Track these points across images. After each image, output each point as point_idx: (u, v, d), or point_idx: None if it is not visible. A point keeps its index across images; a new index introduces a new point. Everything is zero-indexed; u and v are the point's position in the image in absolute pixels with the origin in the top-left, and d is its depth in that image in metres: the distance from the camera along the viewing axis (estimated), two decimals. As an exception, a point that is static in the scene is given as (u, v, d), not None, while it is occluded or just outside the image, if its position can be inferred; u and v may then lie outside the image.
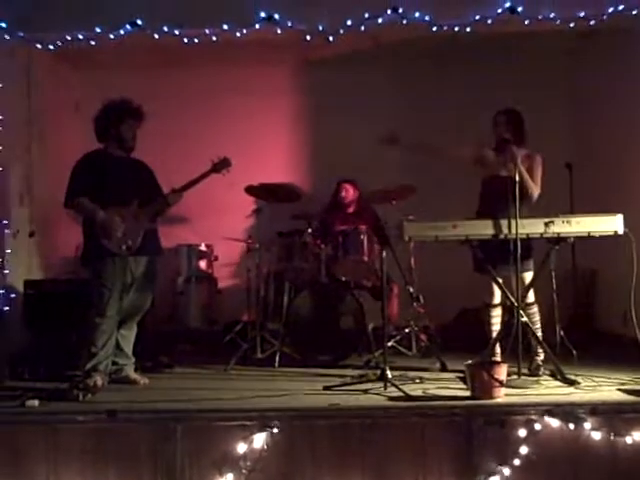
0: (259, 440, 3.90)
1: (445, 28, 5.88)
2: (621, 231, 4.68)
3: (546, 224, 4.68)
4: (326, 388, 4.63)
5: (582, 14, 5.72)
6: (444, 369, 5.32)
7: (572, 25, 5.86)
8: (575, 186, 6.07)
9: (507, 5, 5.58)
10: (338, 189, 6.70)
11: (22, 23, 5.76)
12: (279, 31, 5.87)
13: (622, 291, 6.20)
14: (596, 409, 3.98)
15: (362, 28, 5.83)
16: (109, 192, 4.85)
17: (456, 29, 5.91)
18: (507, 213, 4.73)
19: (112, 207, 4.83)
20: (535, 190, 5.17)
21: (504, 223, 4.72)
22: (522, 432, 3.91)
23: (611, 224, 4.66)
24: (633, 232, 4.71)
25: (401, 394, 4.35)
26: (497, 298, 5.27)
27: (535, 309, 5.20)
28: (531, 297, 5.15)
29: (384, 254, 4.94)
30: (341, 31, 5.90)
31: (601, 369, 5.00)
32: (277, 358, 5.59)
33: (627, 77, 6.19)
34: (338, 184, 6.72)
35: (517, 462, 3.89)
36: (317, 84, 7.41)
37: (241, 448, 3.89)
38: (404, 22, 5.75)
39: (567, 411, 3.96)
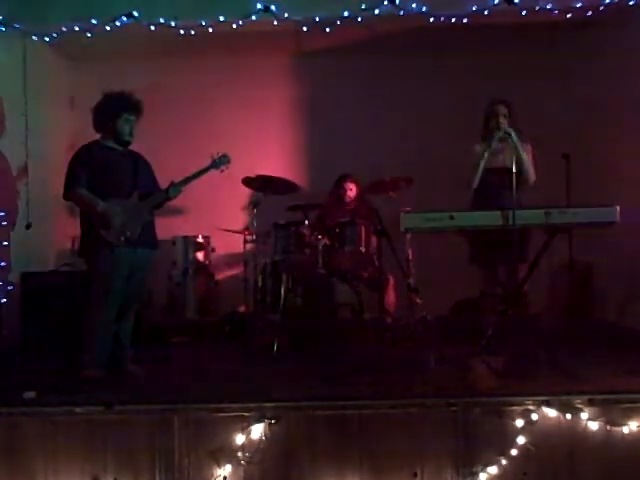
0: (257, 431, 3.92)
1: (442, 19, 5.89)
2: (618, 222, 4.67)
3: (544, 215, 4.67)
4: (324, 379, 4.63)
5: (579, 4, 5.73)
6: (441, 360, 5.33)
7: (569, 16, 5.87)
8: (572, 177, 6.07)
9: (503, -5, 5.60)
10: (340, 185, 6.65)
11: (18, 14, 5.75)
12: (275, 22, 5.87)
13: (617, 282, 6.25)
14: (593, 399, 3.99)
15: (359, 19, 5.83)
16: (108, 184, 4.83)
17: (453, 20, 5.91)
18: (505, 203, 4.73)
19: (112, 199, 4.82)
20: (532, 175, 5.21)
21: (502, 213, 4.71)
22: (519, 422, 3.93)
23: (608, 215, 4.65)
24: (629, 223, 4.71)
25: (399, 385, 4.36)
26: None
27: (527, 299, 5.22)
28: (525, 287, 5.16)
29: (381, 245, 4.95)
30: (338, 22, 5.91)
31: (598, 359, 5.00)
32: (274, 349, 5.59)
33: (624, 67, 6.18)
34: (340, 180, 6.68)
35: (514, 452, 3.91)
36: (313, 75, 7.38)
37: (239, 439, 3.91)
38: (401, 13, 5.75)
39: (564, 401, 3.98)
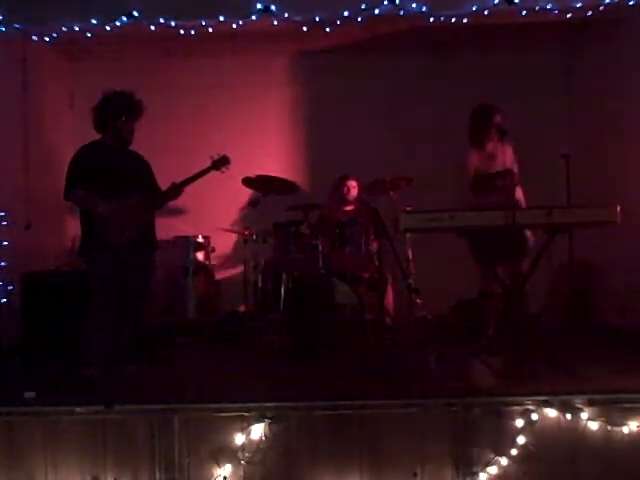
0: (257, 431, 3.92)
1: (442, 19, 5.89)
2: (618, 222, 4.66)
3: (545, 214, 4.66)
4: (324, 379, 4.63)
5: (579, 4, 5.72)
6: (441, 360, 5.32)
7: (569, 16, 5.87)
8: (572, 177, 6.08)
9: (504, -5, 5.60)
10: (342, 184, 6.63)
11: (18, 15, 5.75)
12: (275, 22, 5.87)
13: (617, 282, 6.25)
14: (593, 399, 3.99)
15: (359, 19, 5.83)
16: (108, 184, 4.83)
17: (453, 20, 5.92)
18: (507, 204, 4.71)
19: (113, 199, 4.82)
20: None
21: (502, 214, 4.69)
22: (519, 422, 3.93)
23: (608, 215, 4.65)
24: (630, 223, 4.71)
25: (399, 385, 4.35)
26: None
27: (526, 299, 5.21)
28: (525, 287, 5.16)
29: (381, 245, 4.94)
30: (338, 22, 5.91)
31: (598, 359, 5.00)
32: (274, 349, 5.59)
33: (624, 68, 6.18)
34: (341, 178, 6.66)
35: (514, 452, 3.91)
36: (313, 75, 7.38)
37: (239, 439, 3.91)
38: (401, 13, 5.75)
39: (564, 401, 3.98)
